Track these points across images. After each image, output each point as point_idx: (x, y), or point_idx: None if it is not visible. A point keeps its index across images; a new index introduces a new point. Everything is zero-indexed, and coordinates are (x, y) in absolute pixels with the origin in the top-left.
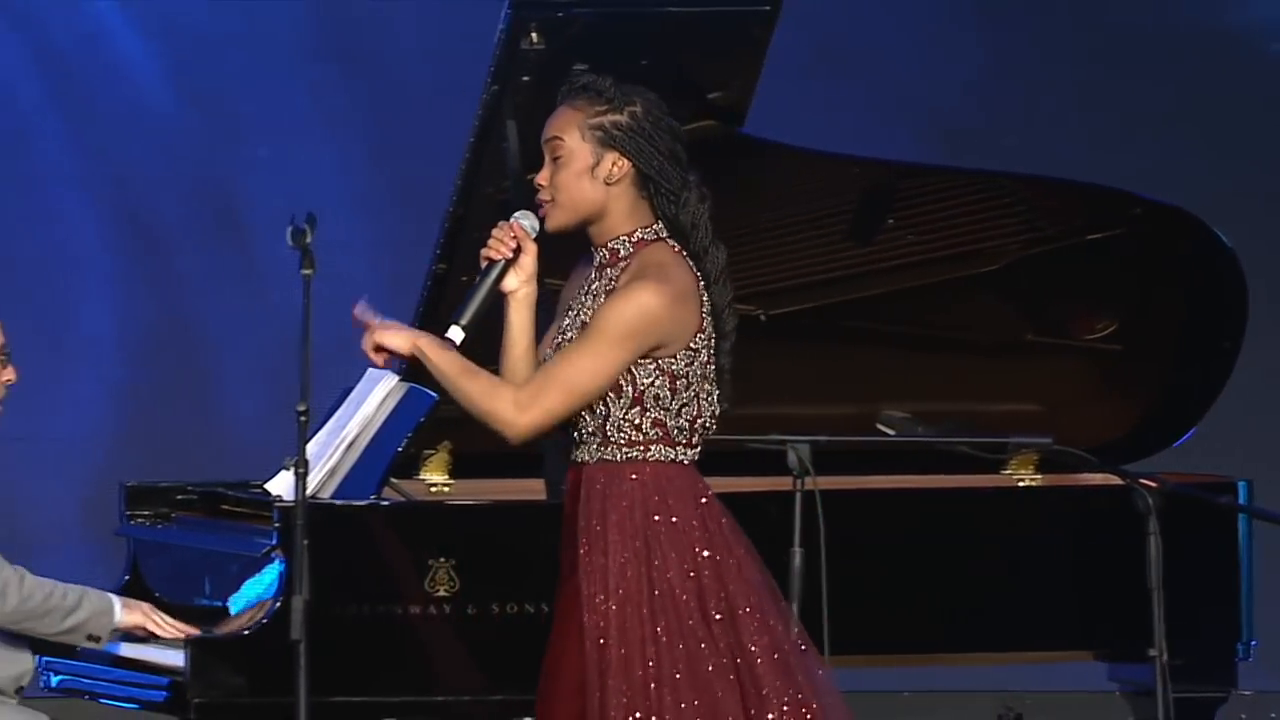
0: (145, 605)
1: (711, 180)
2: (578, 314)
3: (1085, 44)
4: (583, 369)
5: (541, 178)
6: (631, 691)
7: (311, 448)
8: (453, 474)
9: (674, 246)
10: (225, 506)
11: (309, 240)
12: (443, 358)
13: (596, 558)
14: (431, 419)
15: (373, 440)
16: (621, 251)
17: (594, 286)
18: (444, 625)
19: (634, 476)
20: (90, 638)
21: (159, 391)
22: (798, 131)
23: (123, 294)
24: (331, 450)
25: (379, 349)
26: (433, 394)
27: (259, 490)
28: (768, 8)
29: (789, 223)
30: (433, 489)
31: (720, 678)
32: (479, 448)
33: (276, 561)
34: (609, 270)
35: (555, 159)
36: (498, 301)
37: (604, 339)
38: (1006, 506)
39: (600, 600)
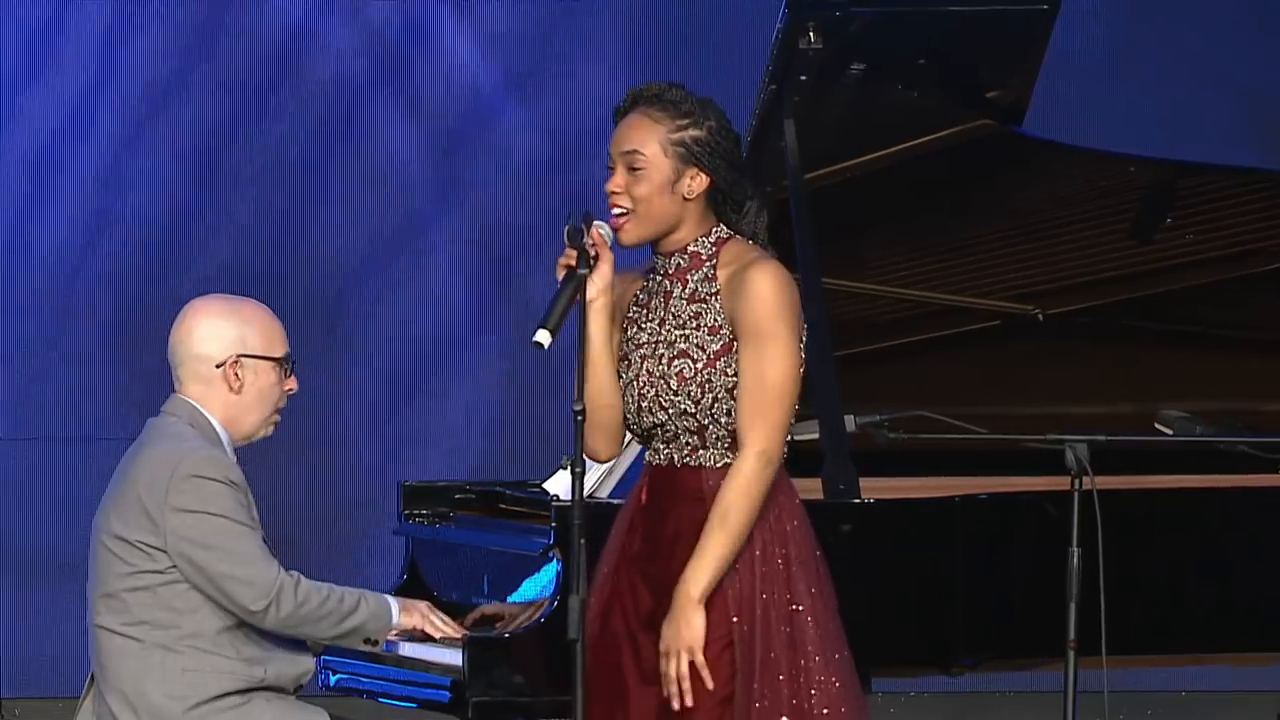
0: (422, 606)
1: (987, 179)
2: (664, 322)
3: None
4: (784, 376)
5: (616, 185)
6: (784, 695)
7: None
8: None
9: (749, 244)
10: (503, 505)
11: (586, 239)
12: (715, 559)
13: (748, 560)
14: None
15: None
16: (704, 253)
17: (683, 291)
18: None
19: None
20: (367, 641)
21: (515, 398)
22: (1092, 130)
23: (471, 306)
24: None
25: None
26: None
27: (537, 489)
28: (1046, 6)
29: (1066, 221)
30: None
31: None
32: None
33: (554, 560)
34: (693, 273)
35: (634, 170)
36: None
37: (782, 331)
38: None
39: (755, 603)
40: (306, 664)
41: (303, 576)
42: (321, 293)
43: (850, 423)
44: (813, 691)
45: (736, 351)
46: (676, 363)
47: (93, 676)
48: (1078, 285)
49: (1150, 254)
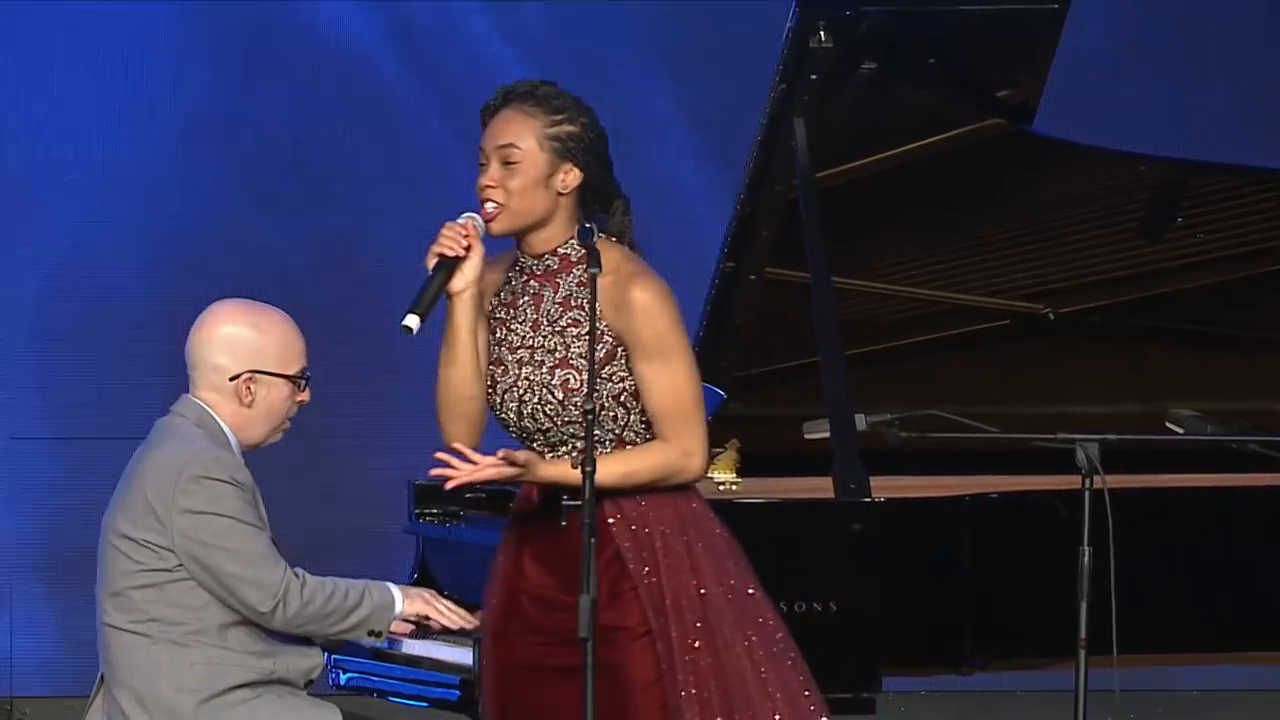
0: (426, 593)
1: (998, 178)
2: (537, 326)
3: None
4: (693, 381)
5: (491, 179)
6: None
7: None
8: (740, 472)
9: (615, 243)
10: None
11: (596, 240)
12: (603, 472)
13: (655, 561)
14: (719, 417)
15: None
16: (573, 256)
17: (555, 295)
18: None
19: None
20: (372, 633)
21: None
22: (1107, 130)
23: None
24: None
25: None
26: (720, 392)
27: None
28: (1056, 5)
29: (1076, 220)
30: (721, 487)
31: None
32: (767, 446)
33: None
34: (564, 276)
35: (508, 164)
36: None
37: (680, 341)
38: None
39: (665, 595)
40: (316, 658)
41: (307, 574)
42: (329, 290)
43: (861, 422)
44: (740, 666)
45: (620, 359)
46: (560, 372)
47: (102, 675)
48: (1088, 285)
49: (1161, 253)
